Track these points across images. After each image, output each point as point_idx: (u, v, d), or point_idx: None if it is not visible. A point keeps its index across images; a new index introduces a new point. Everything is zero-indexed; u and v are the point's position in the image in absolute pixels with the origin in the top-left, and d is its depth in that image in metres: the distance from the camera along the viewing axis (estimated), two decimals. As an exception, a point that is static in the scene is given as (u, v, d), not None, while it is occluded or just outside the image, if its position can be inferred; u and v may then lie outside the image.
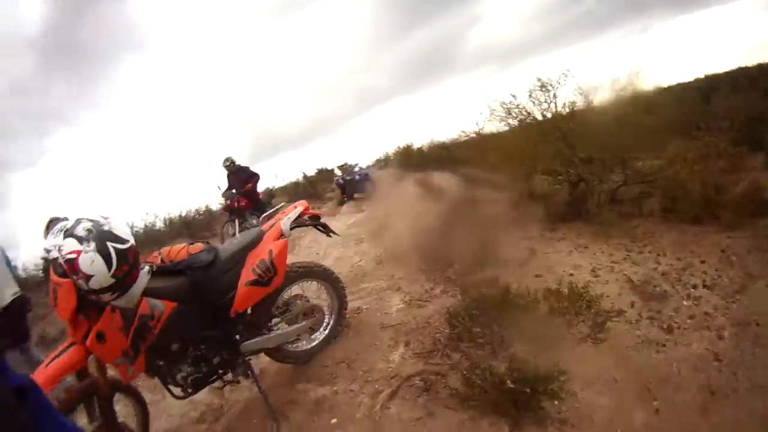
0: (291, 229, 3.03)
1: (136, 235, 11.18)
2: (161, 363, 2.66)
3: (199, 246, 2.80)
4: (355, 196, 11.80)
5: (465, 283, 3.72)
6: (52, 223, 2.35)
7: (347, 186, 11.94)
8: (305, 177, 14.08)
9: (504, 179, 5.50)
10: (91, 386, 2.52)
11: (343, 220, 9.31)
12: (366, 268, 4.89)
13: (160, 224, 11.46)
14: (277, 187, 13.76)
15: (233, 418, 3.07)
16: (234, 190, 8.70)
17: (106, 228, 2.12)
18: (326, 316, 3.40)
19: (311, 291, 3.38)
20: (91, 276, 2.07)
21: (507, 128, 5.42)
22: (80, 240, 2.06)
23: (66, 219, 2.29)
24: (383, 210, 7.65)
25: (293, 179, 14.22)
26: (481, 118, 5.90)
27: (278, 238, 2.95)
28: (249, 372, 2.87)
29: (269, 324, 3.08)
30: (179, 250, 2.72)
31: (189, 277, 2.63)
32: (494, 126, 5.65)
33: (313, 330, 3.32)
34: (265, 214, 3.28)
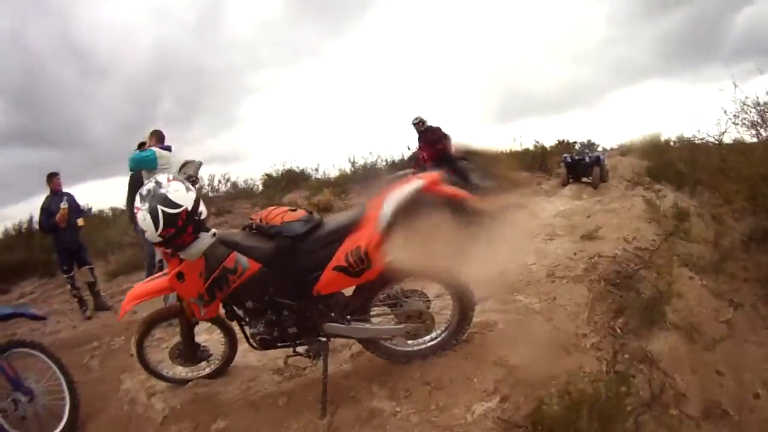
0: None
1: (355, 170, 11.77)
2: (238, 313, 2.78)
3: (299, 213, 2.67)
4: (582, 180, 10.52)
5: (621, 350, 2.86)
6: (185, 165, 2.82)
7: (574, 167, 10.61)
8: (539, 146, 12.94)
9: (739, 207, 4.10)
10: (177, 309, 2.92)
11: (555, 203, 8.27)
12: (534, 275, 4.10)
13: (381, 164, 11.83)
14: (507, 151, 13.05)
15: (302, 384, 2.98)
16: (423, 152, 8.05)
17: (161, 191, 2.33)
18: (437, 328, 2.91)
19: (434, 290, 2.92)
20: (145, 231, 2.36)
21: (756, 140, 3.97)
22: (141, 199, 2.34)
23: (200, 163, 2.84)
24: (600, 210, 6.50)
25: (530, 146, 13.21)
26: (728, 122, 4.48)
27: None
28: (321, 353, 2.73)
29: (368, 311, 2.80)
30: (278, 213, 2.65)
31: (277, 243, 2.57)
32: (741, 134, 4.22)
33: (415, 336, 2.87)
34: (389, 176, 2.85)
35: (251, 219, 2.72)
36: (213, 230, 2.53)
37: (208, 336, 3.52)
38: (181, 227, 2.35)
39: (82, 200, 7.57)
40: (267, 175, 13.68)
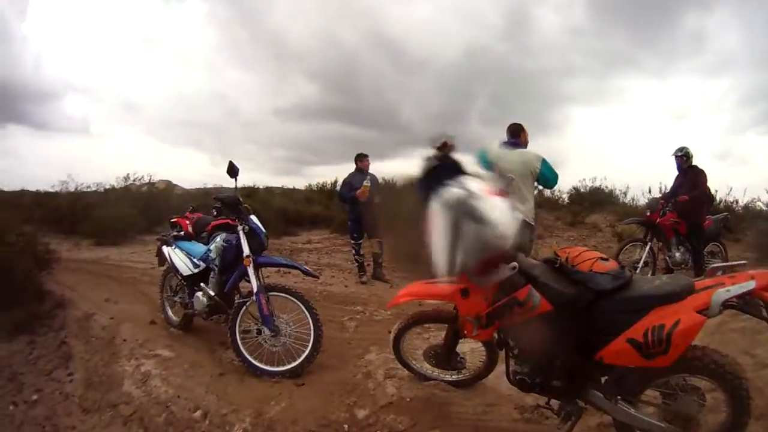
0: (723, 308, 2.02)
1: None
2: (508, 345, 2.59)
3: (610, 265, 2.29)
4: None
5: None
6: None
7: None
8: None
9: None
10: (449, 316, 2.86)
11: None
12: None
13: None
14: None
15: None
16: (668, 200, 6.46)
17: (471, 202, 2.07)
18: None
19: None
20: None
21: None
22: (443, 204, 2.12)
23: (512, 179, 2.93)
24: None
25: None
26: None
27: (700, 310, 2.02)
28: (572, 418, 2.42)
29: (639, 393, 2.33)
30: (587, 258, 2.32)
31: (578, 292, 2.24)
32: None
33: None
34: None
35: (556, 254, 2.43)
36: (515, 263, 2.31)
37: (469, 345, 3.33)
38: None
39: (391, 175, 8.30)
40: (575, 188, 13.39)
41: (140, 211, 10.30)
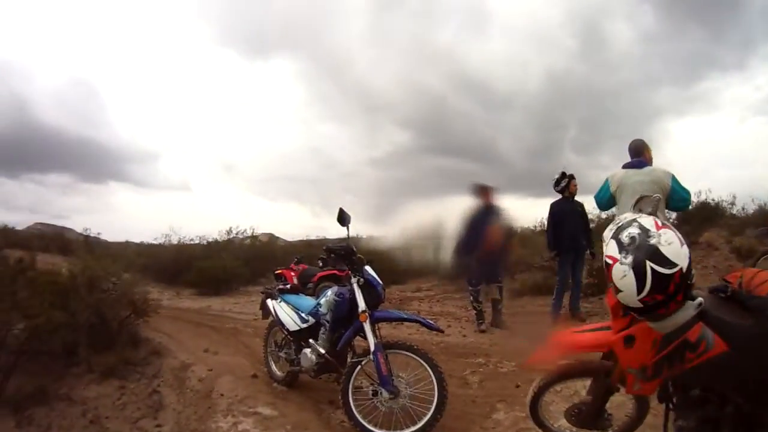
0: None
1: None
2: (673, 397, 2.21)
3: None
4: None
5: None
6: (639, 201, 2.08)
7: None
8: None
9: None
10: (601, 368, 2.50)
11: None
12: None
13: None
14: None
15: None
16: None
17: (652, 242, 1.74)
18: None
19: None
20: (620, 290, 1.80)
21: None
22: (621, 247, 1.79)
23: (658, 199, 2.05)
24: None
25: None
26: None
27: None
28: None
29: None
30: (765, 279, 1.91)
31: (758, 323, 1.83)
32: None
33: None
34: None
35: (725, 280, 2.04)
36: (700, 299, 1.85)
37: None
38: (671, 294, 1.75)
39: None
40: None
41: (243, 262, 10.56)
